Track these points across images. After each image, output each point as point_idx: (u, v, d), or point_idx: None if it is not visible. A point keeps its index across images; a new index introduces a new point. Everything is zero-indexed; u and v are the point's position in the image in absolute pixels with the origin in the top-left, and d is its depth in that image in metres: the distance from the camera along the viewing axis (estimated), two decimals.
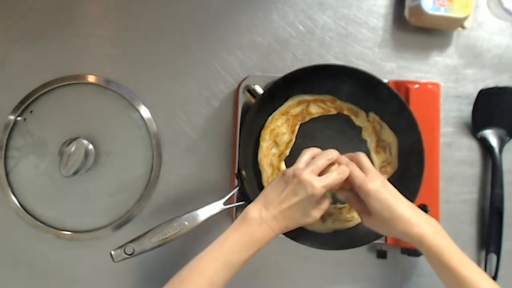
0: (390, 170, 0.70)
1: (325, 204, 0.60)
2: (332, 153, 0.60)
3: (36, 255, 0.71)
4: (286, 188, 0.58)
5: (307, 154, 0.61)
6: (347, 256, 0.75)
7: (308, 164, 0.59)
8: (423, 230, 0.56)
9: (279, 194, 0.58)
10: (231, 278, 0.56)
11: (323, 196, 0.60)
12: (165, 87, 0.75)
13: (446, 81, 0.80)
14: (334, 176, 0.58)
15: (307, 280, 0.75)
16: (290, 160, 0.70)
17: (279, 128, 0.70)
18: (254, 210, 0.58)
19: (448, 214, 0.76)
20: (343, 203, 0.70)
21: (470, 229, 0.79)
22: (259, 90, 0.69)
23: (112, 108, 0.74)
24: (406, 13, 0.79)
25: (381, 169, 0.71)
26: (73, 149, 0.67)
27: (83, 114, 0.73)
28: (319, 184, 0.57)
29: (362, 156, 0.61)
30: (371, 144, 0.71)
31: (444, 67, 0.81)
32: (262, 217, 0.57)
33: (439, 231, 0.57)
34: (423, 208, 0.71)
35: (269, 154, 0.70)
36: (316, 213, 0.59)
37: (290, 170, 0.59)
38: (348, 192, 0.62)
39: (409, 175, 0.67)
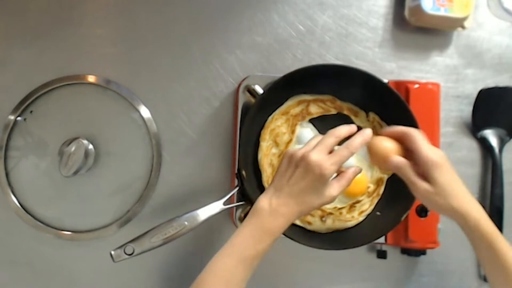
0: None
1: (345, 180, 0.58)
2: (341, 130, 0.58)
3: (36, 255, 0.71)
4: (295, 172, 0.56)
5: (316, 138, 0.59)
6: (347, 256, 0.75)
7: (316, 146, 0.57)
8: (479, 215, 0.56)
9: (288, 179, 0.56)
10: (251, 273, 0.55)
11: (341, 173, 0.58)
12: (165, 87, 0.75)
13: (446, 81, 0.80)
14: (344, 152, 0.56)
15: (307, 280, 0.75)
16: None
17: (279, 128, 0.70)
18: (263, 200, 0.57)
19: None
20: (343, 204, 0.70)
21: None
22: (259, 90, 0.69)
23: (112, 108, 0.73)
24: (406, 13, 0.79)
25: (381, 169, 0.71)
26: (73, 149, 0.67)
27: (83, 114, 0.73)
28: (328, 162, 0.55)
29: (414, 131, 0.59)
30: None
31: (444, 67, 0.81)
32: (273, 206, 0.56)
33: (488, 218, 0.57)
34: (423, 208, 0.71)
35: (269, 154, 0.70)
36: (333, 191, 0.57)
37: (298, 152, 0.56)
38: (404, 158, 0.59)
39: None
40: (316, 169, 0.54)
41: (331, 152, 0.57)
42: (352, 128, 0.59)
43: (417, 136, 0.58)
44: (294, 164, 0.57)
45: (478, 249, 0.57)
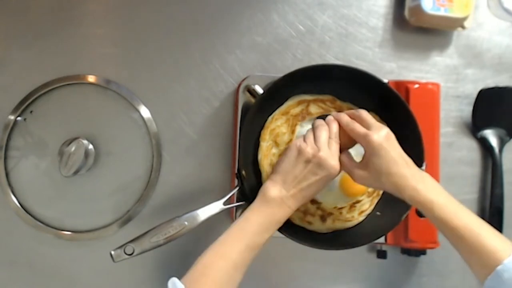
0: None
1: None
2: (333, 127, 0.61)
3: (36, 255, 0.71)
4: (306, 168, 0.59)
5: (324, 132, 0.61)
6: (347, 256, 0.75)
7: (316, 143, 0.60)
8: (417, 186, 0.55)
9: (299, 173, 0.59)
10: (254, 259, 0.56)
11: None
12: (165, 87, 0.75)
13: (446, 81, 0.80)
14: (336, 146, 0.60)
15: (307, 280, 0.75)
16: None
17: (279, 128, 0.70)
18: (273, 189, 0.59)
19: None
20: (343, 204, 0.70)
21: None
22: (259, 90, 0.69)
23: (112, 108, 0.73)
24: (406, 13, 0.79)
25: None
26: (73, 149, 0.67)
27: (83, 114, 0.73)
28: (336, 161, 0.59)
29: (363, 113, 0.61)
30: None
31: (444, 67, 0.81)
32: (283, 198, 0.58)
33: (433, 186, 0.56)
34: None
35: (269, 154, 0.70)
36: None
37: (309, 151, 0.59)
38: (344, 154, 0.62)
39: None
40: (330, 169, 0.58)
41: None
42: (336, 120, 0.62)
43: (352, 124, 0.60)
44: (304, 159, 0.59)
45: (432, 222, 0.56)
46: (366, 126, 0.59)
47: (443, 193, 0.55)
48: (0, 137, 0.71)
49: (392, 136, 0.59)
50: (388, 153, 0.57)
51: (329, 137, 0.60)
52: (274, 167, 0.62)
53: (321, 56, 0.78)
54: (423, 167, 0.67)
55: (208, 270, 0.54)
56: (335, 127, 0.61)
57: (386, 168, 0.56)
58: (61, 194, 0.72)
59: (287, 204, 0.59)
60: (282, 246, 0.71)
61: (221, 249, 0.55)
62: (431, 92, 0.74)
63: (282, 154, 0.64)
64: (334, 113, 0.63)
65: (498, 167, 0.78)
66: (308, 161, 0.59)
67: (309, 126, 0.71)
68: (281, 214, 0.58)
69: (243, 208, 0.68)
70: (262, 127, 0.70)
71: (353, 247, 0.65)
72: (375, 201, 0.72)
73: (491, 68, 0.82)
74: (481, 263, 0.51)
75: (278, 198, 0.58)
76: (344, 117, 0.62)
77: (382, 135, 0.57)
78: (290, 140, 0.70)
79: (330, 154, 0.59)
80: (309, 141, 0.60)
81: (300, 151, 0.60)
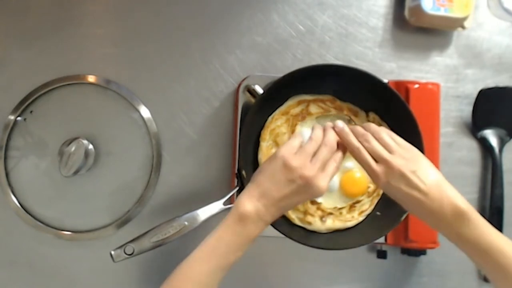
0: None
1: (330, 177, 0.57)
2: (331, 140, 0.57)
3: (36, 255, 0.71)
4: (289, 187, 0.54)
5: (312, 146, 0.56)
6: (347, 256, 0.75)
7: (312, 160, 0.55)
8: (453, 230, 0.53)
9: (279, 190, 0.54)
10: (223, 278, 0.54)
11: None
12: (165, 87, 0.75)
13: (446, 81, 0.80)
14: (333, 168, 0.56)
15: (307, 280, 0.75)
16: None
17: (279, 128, 0.70)
18: (249, 205, 0.54)
19: None
20: (343, 204, 0.70)
21: None
22: (259, 90, 0.69)
23: (112, 108, 0.73)
24: (406, 13, 0.79)
25: None
26: (73, 149, 0.67)
27: (83, 114, 0.73)
28: (325, 183, 0.55)
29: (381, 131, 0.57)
30: None
31: (444, 67, 0.81)
32: (260, 215, 0.54)
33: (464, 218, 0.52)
34: None
35: (269, 154, 0.70)
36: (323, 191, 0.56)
37: (298, 170, 0.54)
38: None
39: None
40: (315, 189, 0.54)
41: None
42: (336, 132, 0.58)
43: (361, 151, 0.56)
44: (290, 177, 0.54)
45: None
46: (389, 150, 0.55)
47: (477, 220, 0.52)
48: (0, 137, 0.71)
49: (399, 166, 0.53)
50: (394, 194, 0.54)
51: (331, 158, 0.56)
52: (254, 176, 0.57)
53: (321, 56, 0.78)
54: None
55: None
56: (334, 142, 0.57)
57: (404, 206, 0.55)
58: (61, 194, 0.72)
59: (263, 220, 0.55)
60: (282, 246, 0.71)
61: (189, 271, 0.53)
62: (431, 92, 0.74)
63: (265, 161, 0.58)
64: (333, 136, 0.57)
65: (498, 167, 0.78)
66: (293, 181, 0.54)
67: (309, 126, 0.71)
68: (256, 231, 0.54)
69: None
70: (262, 127, 0.70)
71: (353, 247, 0.65)
72: (375, 201, 0.71)
73: (491, 68, 0.82)
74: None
75: (254, 214, 0.54)
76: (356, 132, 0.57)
77: (385, 174, 0.53)
78: None
79: (321, 174, 0.54)
80: (303, 156, 0.55)
81: (286, 166, 0.54)
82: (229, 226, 0.54)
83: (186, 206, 0.71)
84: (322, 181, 0.55)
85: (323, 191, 0.55)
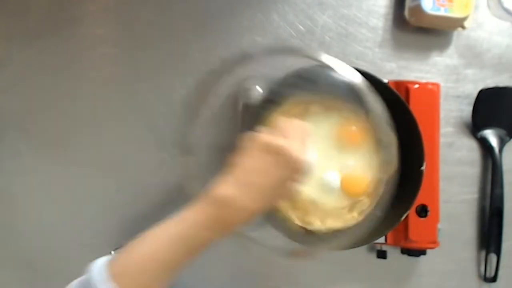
0: (390, 170, 0.70)
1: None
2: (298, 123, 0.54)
3: (37, 255, 0.71)
4: (264, 157, 0.48)
5: (299, 126, 0.53)
6: (347, 256, 0.75)
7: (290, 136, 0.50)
8: None
9: (253, 164, 0.48)
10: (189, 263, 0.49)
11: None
12: (165, 87, 0.74)
13: (446, 81, 0.80)
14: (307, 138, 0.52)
15: (307, 280, 0.75)
16: None
17: None
18: (225, 188, 0.48)
19: (448, 214, 0.76)
20: (343, 204, 0.70)
21: (470, 229, 0.79)
22: (259, 90, 0.69)
23: None
24: (406, 13, 0.79)
25: (381, 169, 0.71)
26: None
27: None
28: (302, 152, 0.49)
29: None
30: (370, 144, 0.71)
31: (444, 67, 0.81)
32: (237, 199, 0.47)
33: None
34: (423, 208, 0.71)
35: None
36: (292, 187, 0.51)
37: (275, 141, 0.49)
38: None
39: (409, 175, 0.67)
40: (292, 157, 0.48)
41: None
42: None
43: None
44: (263, 148, 0.49)
45: None
46: None
47: None
48: None
49: None
50: None
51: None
52: (230, 160, 0.51)
53: None
54: (423, 168, 0.67)
55: (135, 268, 0.47)
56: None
57: None
58: (61, 194, 0.72)
59: (243, 206, 0.48)
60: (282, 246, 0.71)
61: (150, 246, 0.48)
62: (431, 92, 0.74)
63: (242, 146, 0.52)
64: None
65: (498, 167, 0.78)
66: (267, 151, 0.48)
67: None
68: (236, 219, 0.48)
69: None
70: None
71: (353, 247, 0.65)
72: (375, 201, 0.71)
73: (491, 68, 0.82)
74: None
75: (230, 198, 0.47)
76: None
77: None
78: None
79: (294, 145, 0.49)
80: (275, 134, 0.50)
81: (258, 141, 0.49)
82: (201, 209, 0.48)
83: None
84: (298, 150, 0.49)
85: (302, 159, 0.49)
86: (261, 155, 0.48)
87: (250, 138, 0.50)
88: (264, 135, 0.50)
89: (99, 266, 0.47)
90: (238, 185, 0.48)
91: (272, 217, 0.66)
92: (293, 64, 0.77)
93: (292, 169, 0.49)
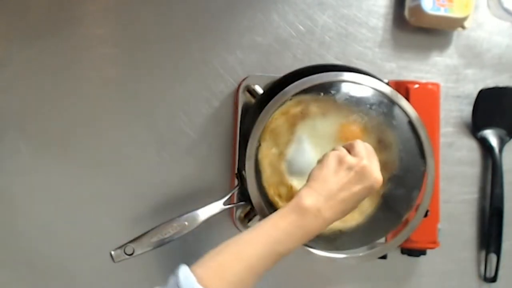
0: (391, 170, 0.70)
1: None
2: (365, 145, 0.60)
3: (36, 255, 0.71)
4: (348, 176, 0.54)
5: (362, 146, 0.59)
6: (347, 256, 0.75)
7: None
8: None
9: (339, 181, 0.54)
10: (271, 268, 0.52)
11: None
12: (165, 87, 0.75)
13: (446, 81, 0.80)
14: (376, 161, 0.58)
15: (307, 280, 0.75)
16: (290, 160, 0.69)
17: (279, 128, 0.70)
18: (309, 198, 0.53)
19: (448, 214, 0.76)
20: None
21: (470, 229, 0.79)
22: (259, 90, 0.69)
23: None
24: (406, 13, 0.79)
25: (382, 169, 0.70)
26: None
27: None
28: (379, 173, 0.56)
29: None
30: (371, 144, 0.71)
31: (444, 67, 0.81)
32: (320, 208, 0.53)
33: None
34: None
35: (269, 154, 0.70)
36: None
37: (351, 158, 0.56)
38: None
39: (410, 175, 0.67)
40: (374, 180, 0.55)
41: None
42: None
43: None
44: (346, 166, 0.55)
45: None
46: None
47: None
48: None
49: None
50: None
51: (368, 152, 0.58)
52: (311, 174, 0.57)
53: (321, 56, 0.78)
54: (428, 213, 0.67)
55: (223, 272, 0.49)
56: (370, 146, 0.60)
57: None
58: (61, 194, 0.72)
59: (323, 216, 0.53)
60: None
61: (240, 249, 0.51)
62: (431, 92, 0.74)
63: (319, 163, 0.59)
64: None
65: (498, 167, 0.78)
66: (350, 169, 0.54)
67: (310, 126, 0.71)
68: (316, 228, 0.53)
69: (243, 208, 0.69)
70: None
71: (354, 247, 0.65)
72: (375, 201, 0.71)
73: (491, 68, 0.82)
74: None
75: (313, 208, 0.52)
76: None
77: None
78: (290, 140, 0.70)
79: (372, 165, 0.56)
80: (346, 151, 0.57)
81: (340, 159, 0.55)
82: (286, 216, 0.53)
83: (186, 206, 0.71)
84: (375, 172, 0.56)
85: (380, 182, 0.56)
86: (346, 172, 0.54)
87: (335, 156, 0.56)
88: (348, 155, 0.56)
89: (183, 271, 0.48)
90: (324, 198, 0.53)
91: None
92: (293, 64, 0.77)
93: (370, 187, 0.55)
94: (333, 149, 0.59)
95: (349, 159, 0.55)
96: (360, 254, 0.66)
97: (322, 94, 0.70)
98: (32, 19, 0.74)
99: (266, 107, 0.70)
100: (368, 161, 0.56)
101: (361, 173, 0.54)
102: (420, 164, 0.67)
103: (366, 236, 0.67)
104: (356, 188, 0.54)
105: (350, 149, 0.58)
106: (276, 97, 0.70)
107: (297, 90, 0.70)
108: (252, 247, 0.51)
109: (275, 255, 0.51)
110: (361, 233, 0.69)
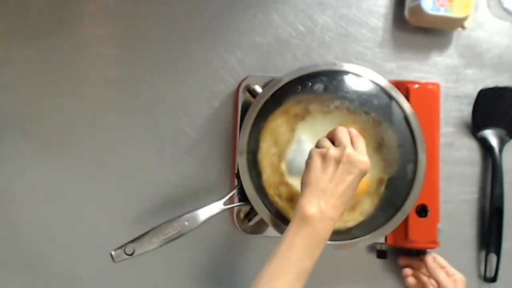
0: (390, 170, 0.70)
1: None
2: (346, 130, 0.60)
3: (36, 255, 0.71)
4: (337, 169, 0.55)
5: (345, 132, 0.59)
6: (347, 256, 0.75)
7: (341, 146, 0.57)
8: None
9: (332, 177, 0.54)
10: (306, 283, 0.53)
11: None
12: (165, 87, 0.75)
13: (446, 81, 0.80)
14: (361, 143, 0.59)
15: (307, 280, 0.75)
16: (290, 160, 0.69)
17: (279, 128, 0.70)
18: (311, 206, 0.53)
19: (448, 214, 0.76)
20: None
21: (470, 229, 0.79)
22: (259, 90, 0.69)
23: None
24: (406, 13, 0.79)
25: (381, 169, 0.71)
26: None
27: None
28: (365, 156, 0.57)
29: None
30: (371, 144, 0.71)
31: (444, 67, 0.81)
32: (323, 211, 0.53)
33: None
34: (423, 208, 0.71)
35: (269, 154, 0.70)
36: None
37: (334, 151, 0.56)
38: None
39: (410, 175, 0.67)
40: (361, 164, 0.55)
41: None
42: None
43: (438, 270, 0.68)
44: (333, 161, 0.55)
45: None
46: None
47: None
48: None
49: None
50: None
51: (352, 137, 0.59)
52: (302, 180, 0.57)
53: (321, 56, 0.78)
54: (428, 212, 0.68)
55: None
56: (354, 130, 0.60)
57: None
58: (61, 194, 0.72)
59: (330, 217, 0.53)
60: None
61: (272, 284, 0.51)
62: (431, 92, 0.74)
63: (305, 167, 0.59)
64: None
65: (498, 167, 0.78)
66: (337, 162, 0.55)
67: (310, 126, 0.71)
68: (325, 230, 0.53)
69: (243, 208, 0.69)
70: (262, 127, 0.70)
71: (354, 247, 0.65)
72: (375, 201, 0.71)
73: (491, 68, 0.82)
74: None
75: (318, 213, 0.53)
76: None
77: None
78: (290, 140, 0.70)
79: (357, 150, 0.56)
80: (328, 145, 0.57)
81: (323, 156, 0.56)
82: (296, 231, 0.53)
83: (186, 206, 0.71)
84: (360, 156, 0.56)
85: (367, 164, 0.56)
86: (334, 167, 0.55)
87: (317, 154, 0.56)
88: (330, 149, 0.56)
89: None
90: (323, 200, 0.54)
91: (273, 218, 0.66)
92: (293, 64, 0.77)
93: (360, 171, 0.55)
94: (315, 147, 0.60)
95: (332, 152, 0.55)
96: (339, 243, 0.66)
97: (321, 89, 0.70)
98: (32, 19, 0.74)
99: (266, 107, 0.70)
100: (351, 147, 0.56)
101: (348, 162, 0.55)
102: (412, 160, 0.67)
103: (366, 235, 0.67)
104: (349, 177, 0.55)
105: (332, 138, 0.59)
106: (276, 97, 0.70)
107: (292, 77, 0.70)
108: (281, 280, 0.51)
109: (304, 272, 0.52)
110: (361, 232, 0.69)
